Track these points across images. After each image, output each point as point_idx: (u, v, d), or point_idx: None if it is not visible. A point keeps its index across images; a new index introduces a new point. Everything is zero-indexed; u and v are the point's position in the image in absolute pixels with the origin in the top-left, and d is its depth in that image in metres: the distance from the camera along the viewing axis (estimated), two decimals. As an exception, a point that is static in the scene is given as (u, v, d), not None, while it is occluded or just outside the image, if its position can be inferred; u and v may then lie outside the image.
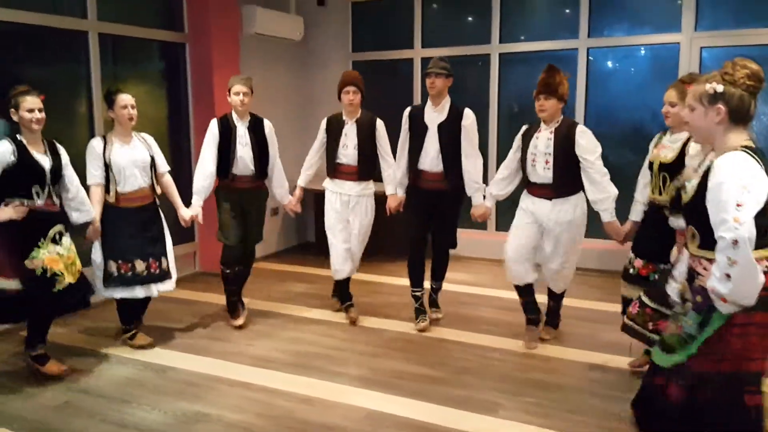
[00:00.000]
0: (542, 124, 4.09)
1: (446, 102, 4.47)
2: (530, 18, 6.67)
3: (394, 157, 4.75)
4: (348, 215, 4.74)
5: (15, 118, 3.60)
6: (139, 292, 4.18)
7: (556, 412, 3.38)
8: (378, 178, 4.86)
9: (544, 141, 4.04)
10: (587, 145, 3.92)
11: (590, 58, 6.26)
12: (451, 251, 4.80)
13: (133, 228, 4.15)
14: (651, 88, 6.10)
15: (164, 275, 4.29)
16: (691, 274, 2.24)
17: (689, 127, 2.28)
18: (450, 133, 4.42)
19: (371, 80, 7.26)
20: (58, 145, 3.83)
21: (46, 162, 3.68)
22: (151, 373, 3.92)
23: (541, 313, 4.43)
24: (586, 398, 3.53)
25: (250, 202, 4.70)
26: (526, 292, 4.33)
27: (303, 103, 7.32)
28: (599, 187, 3.90)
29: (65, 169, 3.82)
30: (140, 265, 4.15)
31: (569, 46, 6.31)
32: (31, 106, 3.58)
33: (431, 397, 3.55)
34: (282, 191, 4.88)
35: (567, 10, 6.40)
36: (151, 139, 4.37)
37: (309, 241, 7.49)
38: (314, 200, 6.57)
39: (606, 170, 3.93)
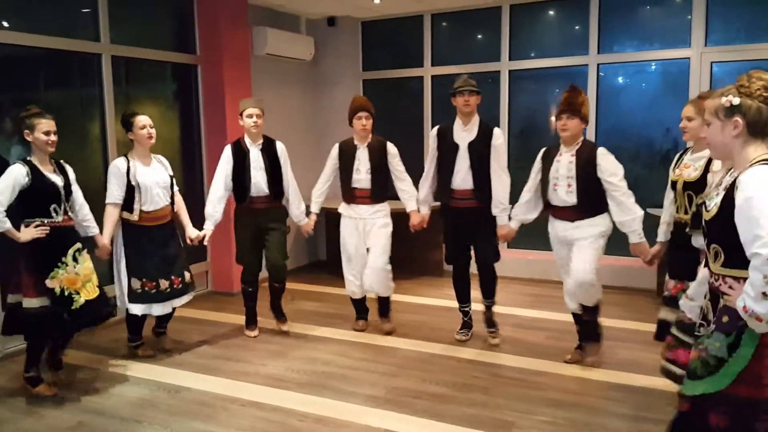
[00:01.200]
0: (562, 147, 4.04)
1: (476, 120, 4.45)
2: (540, 35, 6.69)
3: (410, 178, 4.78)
4: (363, 239, 4.78)
5: (29, 139, 3.70)
6: (156, 309, 4.34)
7: (569, 430, 3.34)
8: (394, 198, 4.87)
9: (565, 164, 3.98)
10: (610, 168, 3.88)
11: (600, 74, 6.27)
12: (471, 270, 4.74)
13: (156, 246, 4.30)
14: (662, 104, 6.10)
15: (185, 289, 4.45)
16: (714, 294, 2.15)
17: (707, 142, 2.23)
18: (480, 151, 4.39)
19: (382, 99, 7.35)
20: (65, 164, 3.96)
21: (58, 180, 3.80)
22: (164, 393, 3.91)
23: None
24: (601, 417, 3.48)
25: (268, 221, 4.77)
26: (578, 320, 4.28)
27: (314, 123, 7.36)
28: (624, 208, 3.85)
29: (72, 186, 3.95)
30: (164, 284, 4.31)
31: (579, 63, 6.32)
32: (47, 128, 3.71)
33: (445, 416, 3.52)
34: (298, 212, 4.93)
35: (577, 27, 6.42)
36: (165, 161, 4.52)
37: (320, 260, 7.49)
38: (326, 219, 6.57)
39: (630, 191, 3.88)
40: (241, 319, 5.38)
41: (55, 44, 4.84)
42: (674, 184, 3.52)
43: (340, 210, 4.90)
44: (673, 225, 3.60)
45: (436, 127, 4.64)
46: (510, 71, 6.62)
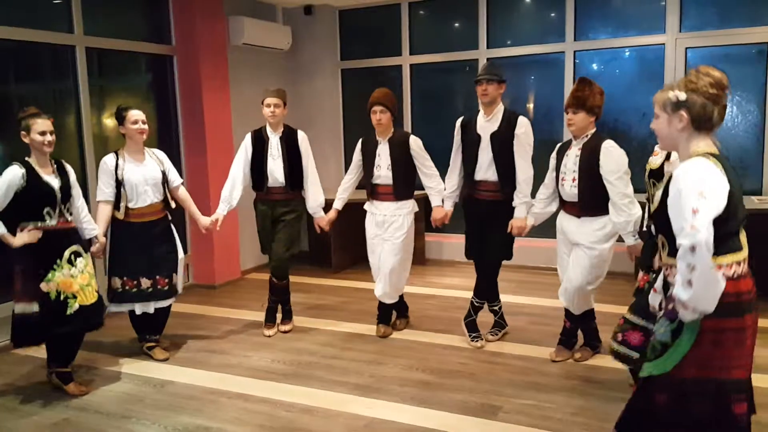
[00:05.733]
0: (573, 140, 3.97)
1: (499, 110, 4.25)
2: (517, 22, 6.72)
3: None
4: (384, 234, 4.59)
5: (26, 140, 3.66)
6: (137, 307, 4.27)
7: (555, 414, 3.40)
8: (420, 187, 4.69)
9: (572, 158, 3.90)
10: (608, 165, 3.74)
11: (577, 61, 6.32)
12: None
13: (142, 245, 4.20)
14: (637, 90, 6.17)
15: (170, 292, 4.34)
16: (666, 283, 2.24)
17: (657, 134, 2.28)
18: (503, 142, 4.20)
19: (360, 88, 7.34)
20: (66, 164, 3.88)
21: (55, 182, 3.72)
22: (150, 387, 3.90)
23: (576, 339, 4.24)
24: (585, 400, 3.55)
25: (282, 212, 4.71)
26: (569, 317, 4.16)
27: (293, 113, 7.27)
28: (617, 209, 3.71)
29: (72, 187, 3.87)
30: (146, 283, 4.23)
31: (556, 50, 6.37)
32: (43, 129, 3.65)
33: (433, 403, 3.56)
34: (315, 205, 4.79)
35: (553, 14, 6.46)
36: (162, 155, 4.45)
37: (302, 251, 7.46)
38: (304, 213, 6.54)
39: (628, 191, 3.71)
40: (223, 312, 5.41)
41: (28, 36, 4.76)
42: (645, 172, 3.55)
43: (365, 207, 4.72)
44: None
45: (460, 119, 4.47)
46: (488, 59, 6.64)
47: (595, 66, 6.48)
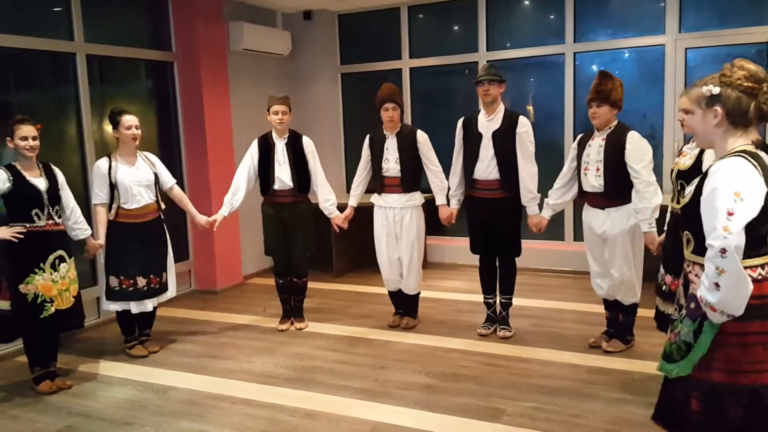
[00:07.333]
0: (595, 131, 4.07)
1: (500, 109, 4.38)
2: (516, 25, 6.72)
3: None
4: (395, 229, 4.72)
5: (11, 145, 3.77)
6: (133, 306, 4.37)
7: (558, 416, 3.38)
8: (428, 190, 4.78)
9: (595, 148, 4.01)
10: (635, 153, 3.85)
11: (577, 62, 6.31)
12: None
13: (137, 244, 4.32)
14: (638, 91, 6.16)
15: (163, 289, 4.49)
16: (686, 280, 2.18)
17: (692, 131, 2.21)
18: (505, 141, 4.32)
19: (360, 92, 7.35)
20: (54, 168, 4.00)
21: (41, 184, 3.82)
22: (152, 393, 3.89)
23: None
24: (588, 401, 3.53)
25: (291, 215, 4.79)
26: (608, 306, 4.31)
27: (294, 118, 7.30)
28: (640, 196, 3.83)
29: (62, 190, 3.97)
30: (141, 281, 4.35)
31: (556, 52, 6.36)
32: (24, 134, 3.75)
33: (437, 407, 3.55)
34: (327, 205, 4.90)
35: (552, 16, 6.46)
36: (153, 157, 4.57)
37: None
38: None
39: (652, 180, 3.83)
40: (225, 317, 5.41)
41: (29, 44, 4.77)
42: (671, 172, 3.53)
43: (372, 200, 4.82)
44: (669, 214, 3.55)
45: (462, 118, 4.57)
46: (488, 62, 6.63)
47: (595, 67, 6.47)
